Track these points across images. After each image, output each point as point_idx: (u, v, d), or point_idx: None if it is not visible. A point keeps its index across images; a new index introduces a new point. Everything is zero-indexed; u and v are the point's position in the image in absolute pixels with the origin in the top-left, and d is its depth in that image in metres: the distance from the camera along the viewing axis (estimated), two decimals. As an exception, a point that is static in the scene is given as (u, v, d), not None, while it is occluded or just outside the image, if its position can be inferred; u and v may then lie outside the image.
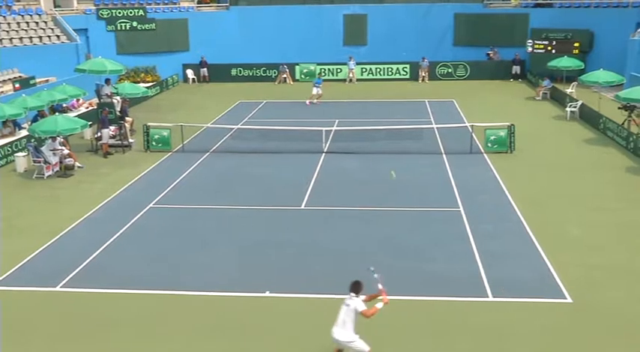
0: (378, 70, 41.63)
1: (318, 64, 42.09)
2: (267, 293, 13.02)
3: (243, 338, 11.51)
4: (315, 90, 33.87)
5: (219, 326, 11.90)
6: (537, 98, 34.63)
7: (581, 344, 11.12)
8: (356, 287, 10.21)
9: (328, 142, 24.74)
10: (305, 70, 42.34)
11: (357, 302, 10.09)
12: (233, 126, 27.80)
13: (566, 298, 12.66)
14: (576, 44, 38.03)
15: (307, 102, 33.78)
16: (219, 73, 42.34)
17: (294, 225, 16.93)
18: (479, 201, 18.36)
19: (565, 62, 34.78)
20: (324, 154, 23.71)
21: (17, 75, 32.74)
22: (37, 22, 37.67)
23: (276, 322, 12.04)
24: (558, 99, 33.04)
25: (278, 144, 24.71)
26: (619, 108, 26.31)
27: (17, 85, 30.14)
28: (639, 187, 19.61)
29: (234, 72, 42.74)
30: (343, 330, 10.07)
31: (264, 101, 35.27)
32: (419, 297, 12.78)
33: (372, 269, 10.51)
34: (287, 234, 16.25)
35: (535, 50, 39.62)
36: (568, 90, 32.95)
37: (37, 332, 11.85)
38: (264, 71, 42.60)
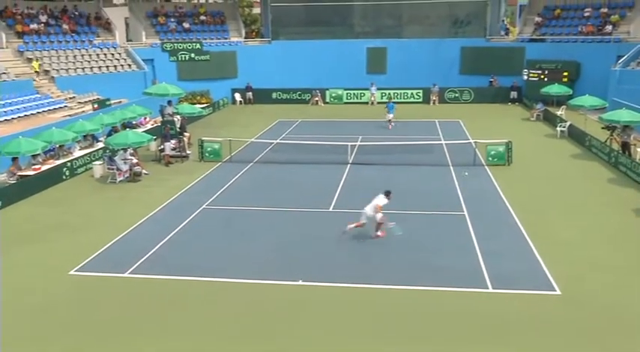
0: (396, 94, 41.46)
1: (345, 89, 42.14)
2: (300, 282, 13.03)
3: (278, 322, 11.51)
4: (388, 115, 31.77)
5: (259, 310, 11.91)
6: (532, 119, 34.15)
7: (569, 330, 10.91)
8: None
9: (353, 155, 24.72)
10: (334, 94, 42.38)
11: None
12: (273, 141, 27.92)
13: (555, 290, 12.44)
14: (565, 73, 37.44)
15: (389, 126, 31.44)
16: (261, 96, 42.61)
17: (323, 225, 16.91)
18: (481, 206, 18.16)
19: (556, 88, 34.30)
20: (349, 165, 23.68)
21: (96, 97, 33.36)
22: (112, 54, 38.37)
23: (306, 307, 12.02)
24: (550, 120, 32.55)
25: (311, 156, 24.74)
26: (602, 128, 25.84)
27: (95, 106, 30.68)
28: (619, 195, 19.23)
29: (274, 95, 42.99)
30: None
31: (300, 120, 35.40)
32: (428, 287, 12.66)
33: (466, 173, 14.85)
34: (317, 232, 16.23)
35: (530, 78, 39.08)
36: (558, 113, 32.45)
37: (109, 310, 12.02)
38: (300, 95, 42.77)
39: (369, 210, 15.38)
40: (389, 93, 41.06)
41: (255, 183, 21.63)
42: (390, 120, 31.60)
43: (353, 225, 15.58)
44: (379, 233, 15.60)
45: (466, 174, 16.33)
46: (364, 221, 15.45)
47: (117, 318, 11.67)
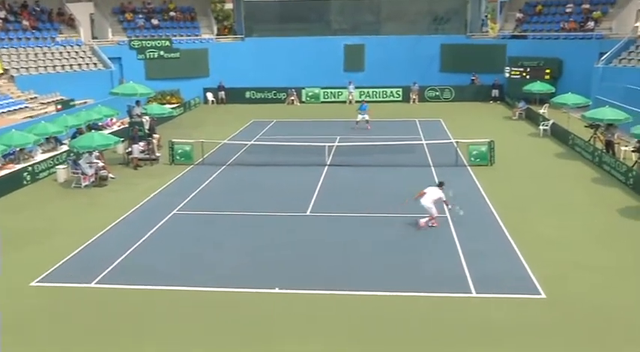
0: (375, 92, 41.62)
1: (322, 88, 42.15)
2: (277, 290, 12.95)
3: (254, 331, 11.41)
4: (360, 117, 31.28)
5: (234, 320, 11.80)
6: (514, 118, 34.53)
7: (554, 336, 11.00)
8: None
9: (331, 156, 24.71)
10: (310, 93, 42.37)
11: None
12: (247, 142, 27.80)
13: (540, 293, 12.54)
14: (548, 71, 37.92)
15: (368, 127, 30.95)
16: (235, 96, 42.40)
17: (300, 229, 16.87)
18: (463, 207, 18.21)
19: (538, 86, 34.72)
20: (327, 167, 23.67)
21: (59, 97, 32.87)
22: (77, 52, 37.87)
23: (284, 316, 11.95)
24: (532, 118, 32.94)
25: (286, 158, 24.68)
26: (585, 126, 26.22)
27: (59, 106, 30.24)
28: (602, 194, 19.53)
29: (248, 94, 42.83)
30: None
31: (275, 120, 35.31)
32: (409, 293, 12.66)
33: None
34: (294, 237, 16.18)
35: (512, 76, 39.52)
36: (541, 111, 32.84)
37: (74, 324, 11.79)
38: (275, 94, 42.67)
39: (429, 203, 16.43)
40: (367, 92, 41.18)
41: (228, 186, 21.49)
42: (366, 120, 31.29)
43: (426, 220, 16.59)
44: (433, 222, 16.69)
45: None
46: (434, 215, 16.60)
47: (82, 332, 11.43)
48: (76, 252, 15.34)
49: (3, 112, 28.70)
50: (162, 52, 40.92)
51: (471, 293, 12.60)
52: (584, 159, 24.28)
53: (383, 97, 41.77)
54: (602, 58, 34.65)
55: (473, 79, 42.31)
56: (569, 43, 38.38)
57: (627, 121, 23.99)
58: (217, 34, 45.50)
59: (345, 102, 41.41)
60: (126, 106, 29.26)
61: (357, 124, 31.56)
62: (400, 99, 41.72)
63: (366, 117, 31.50)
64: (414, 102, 41.07)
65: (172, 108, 34.18)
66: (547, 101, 33.60)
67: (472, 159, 23.63)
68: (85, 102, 32.64)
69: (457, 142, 24.58)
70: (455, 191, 17.76)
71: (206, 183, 21.85)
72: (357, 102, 40.35)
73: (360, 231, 16.58)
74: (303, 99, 42.33)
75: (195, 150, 24.87)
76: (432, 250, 15.02)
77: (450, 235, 15.95)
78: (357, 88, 41.35)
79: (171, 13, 44.65)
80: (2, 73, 32.28)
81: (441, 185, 16.99)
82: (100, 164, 22.40)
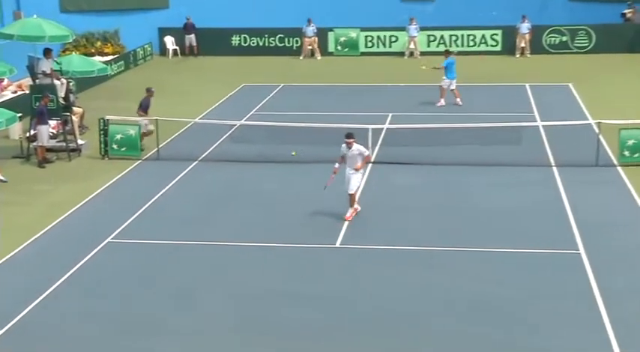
0: (453, 38, 41.67)
1: (362, 30, 42.22)
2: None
3: None
4: (446, 82, 31.30)
5: None
6: (701, 82, 34.33)
7: None
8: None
9: (377, 147, 24.78)
10: (342, 39, 42.45)
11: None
12: (234, 122, 27.90)
13: None
14: None
15: (458, 100, 31.22)
16: (213, 43, 42.78)
17: (323, 272, 16.89)
18: (610, 239, 18.14)
19: None
20: (370, 165, 23.64)
21: None
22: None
23: None
24: None
25: (301, 149, 24.65)
26: None
27: None
28: None
29: (235, 41, 43.19)
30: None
31: (281, 84, 35.48)
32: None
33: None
34: (312, 286, 16.17)
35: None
36: None
37: None
38: (281, 40, 43.01)
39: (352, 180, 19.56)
40: (441, 36, 41.10)
41: (200, 197, 21.63)
42: (453, 90, 31.14)
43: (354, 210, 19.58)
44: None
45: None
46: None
47: None
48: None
49: None
50: (88, -35, 41.31)
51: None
52: None
53: (469, 46, 41.85)
54: None
55: (626, 13, 41.95)
56: None
57: None
58: None
59: (402, 54, 41.40)
60: (26, 58, 29.50)
61: (441, 98, 31.28)
62: (499, 48, 41.89)
63: (452, 83, 31.14)
64: (522, 53, 41.02)
65: (106, 62, 34.37)
66: None
67: (627, 154, 23.44)
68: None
69: (599, 125, 24.39)
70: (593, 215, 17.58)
71: (163, 190, 21.98)
72: (422, 54, 40.38)
73: (426, 275, 16.53)
74: (330, 48, 42.49)
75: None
76: (556, 313, 14.83)
77: (587, 287, 15.80)
78: (422, 29, 41.30)
79: None
80: None
81: (350, 137, 19.51)
82: (-18, 157, 22.68)
